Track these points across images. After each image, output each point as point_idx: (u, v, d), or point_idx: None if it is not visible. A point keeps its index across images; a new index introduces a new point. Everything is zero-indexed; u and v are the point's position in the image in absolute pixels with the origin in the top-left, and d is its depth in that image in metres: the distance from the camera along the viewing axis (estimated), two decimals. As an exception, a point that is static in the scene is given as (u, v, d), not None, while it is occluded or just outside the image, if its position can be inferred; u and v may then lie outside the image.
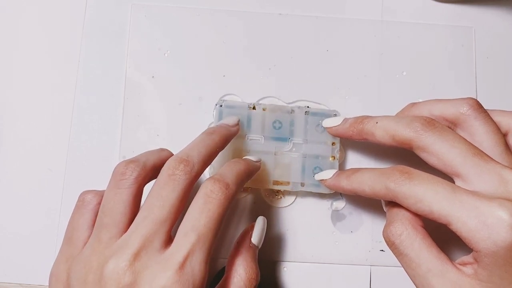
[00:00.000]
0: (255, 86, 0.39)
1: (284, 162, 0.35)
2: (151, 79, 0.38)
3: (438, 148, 0.28)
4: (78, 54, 0.39)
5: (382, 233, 0.29)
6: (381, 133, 0.31)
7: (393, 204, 0.30)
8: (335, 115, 0.36)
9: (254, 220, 0.37)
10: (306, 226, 0.37)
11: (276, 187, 0.35)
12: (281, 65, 0.39)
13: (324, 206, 0.37)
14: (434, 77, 0.39)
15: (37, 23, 0.39)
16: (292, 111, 0.36)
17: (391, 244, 0.29)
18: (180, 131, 0.38)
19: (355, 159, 0.38)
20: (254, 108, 0.36)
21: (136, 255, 0.26)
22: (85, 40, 0.39)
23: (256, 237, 0.32)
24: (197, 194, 0.28)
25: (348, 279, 0.36)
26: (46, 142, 0.38)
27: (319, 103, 0.38)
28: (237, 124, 0.34)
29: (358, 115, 0.34)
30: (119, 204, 0.28)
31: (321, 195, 0.37)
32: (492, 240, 0.25)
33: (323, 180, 0.34)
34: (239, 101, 0.38)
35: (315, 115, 0.36)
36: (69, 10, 0.40)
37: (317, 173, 0.35)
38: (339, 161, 0.36)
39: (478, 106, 0.31)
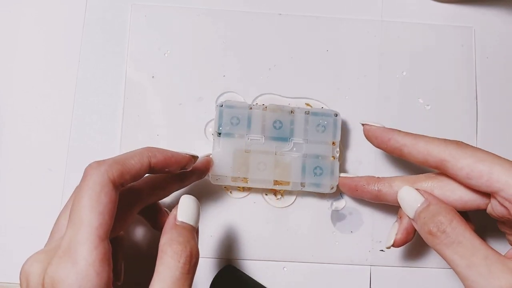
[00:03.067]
0: (255, 86, 0.39)
1: (284, 162, 0.35)
2: (151, 79, 0.38)
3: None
4: (78, 54, 0.39)
5: (425, 227, 0.29)
6: (413, 141, 0.31)
7: (428, 203, 0.30)
8: (336, 115, 0.36)
9: (254, 220, 0.37)
10: (306, 226, 0.37)
11: (277, 187, 0.35)
12: (281, 65, 0.39)
13: (324, 206, 0.37)
14: (434, 77, 0.39)
15: (37, 23, 0.39)
16: (293, 111, 0.36)
17: (441, 233, 0.28)
18: (180, 131, 0.38)
19: (355, 159, 0.38)
20: (252, 108, 0.36)
21: (42, 251, 0.26)
22: (85, 40, 0.39)
23: (181, 215, 0.28)
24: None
25: (348, 279, 0.36)
26: (46, 142, 0.38)
27: (318, 100, 0.38)
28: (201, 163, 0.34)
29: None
30: (63, 213, 0.29)
31: (321, 195, 0.37)
32: None
33: (367, 124, 0.33)
34: (240, 101, 0.38)
35: (315, 115, 0.36)
36: (69, 10, 0.40)
37: (317, 173, 0.35)
38: (339, 161, 0.36)
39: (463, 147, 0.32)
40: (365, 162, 0.38)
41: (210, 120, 0.38)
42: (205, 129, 0.38)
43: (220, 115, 0.36)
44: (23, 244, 0.36)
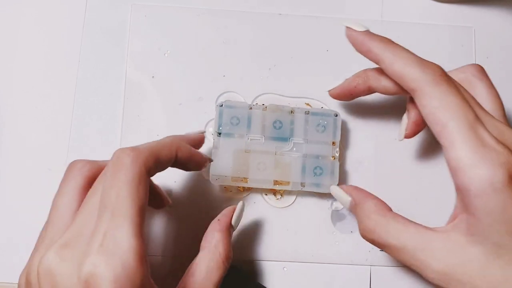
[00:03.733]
0: (255, 86, 0.39)
1: (284, 162, 0.35)
2: (151, 79, 0.38)
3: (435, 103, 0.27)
4: (78, 54, 0.39)
5: (360, 234, 0.30)
6: (391, 59, 0.29)
7: (354, 204, 0.31)
8: (336, 115, 0.36)
9: (254, 220, 0.37)
10: (306, 226, 0.37)
11: (277, 187, 0.35)
12: (281, 65, 0.39)
13: (324, 206, 0.37)
14: (434, 77, 0.39)
15: (37, 23, 0.39)
16: (293, 111, 0.36)
17: (371, 242, 0.29)
18: (180, 131, 0.38)
19: (355, 159, 0.38)
20: (252, 108, 0.36)
21: (63, 247, 0.24)
22: (85, 40, 0.39)
23: (235, 220, 0.32)
24: (106, 167, 0.26)
25: (348, 279, 0.36)
26: (46, 142, 0.38)
27: (318, 100, 0.38)
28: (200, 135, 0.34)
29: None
30: (63, 196, 0.27)
31: (321, 195, 0.37)
32: (488, 178, 0.24)
33: (350, 28, 0.31)
34: (240, 101, 0.38)
35: (315, 115, 0.36)
36: (69, 10, 0.40)
37: (317, 173, 0.35)
38: (339, 161, 0.36)
39: (484, 72, 0.32)
40: (365, 162, 0.38)
41: (210, 120, 0.38)
42: (205, 129, 0.38)
43: (220, 115, 0.36)
44: (23, 244, 0.36)
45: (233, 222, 0.32)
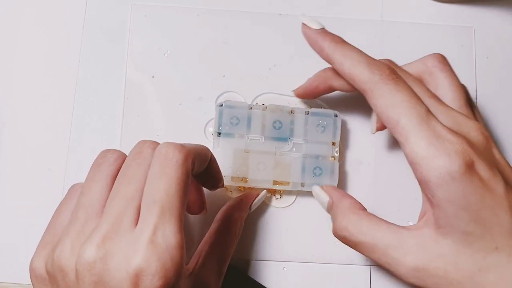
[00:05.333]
0: (255, 86, 0.39)
1: (284, 162, 0.35)
2: (151, 79, 0.38)
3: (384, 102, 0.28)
4: (78, 54, 0.39)
5: (332, 233, 0.30)
6: (340, 60, 0.30)
7: (331, 202, 0.32)
8: (336, 116, 0.36)
9: (254, 220, 0.37)
10: (306, 226, 0.37)
11: (276, 187, 0.35)
12: (281, 65, 0.39)
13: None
14: (434, 77, 0.39)
15: (37, 23, 0.39)
16: (292, 111, 0.36)
17: (343, 240, 0.29)
18: (180, 131, 0.38)
19: (355, 159, 0.38)
20: (252, 108, 0.36)
21: (106, 239, 0.24)
22: (85, 40, 0.39)
23: (255, 205, 0.35)
24: (152, 160, 0.26)
25: (348, 279, 0.36)
26: (46, 142, 0.38)
27: (318, 100, 0.38)
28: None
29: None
30: (97, 183, 0.27)
31: (321, 195, 0.37)
32: (446, 168, 0.25)
33: (305, 25, 0.31)
34: (240, 101, 0.38)
35: (315, 115, 0.36)
36: (69, 10, 0.40)
37: (317, 173, 0.35)
38: (339, 161, 0.36)
39: (445, 61, 0.32)
40: (365, 162, 0.38)
41: (210, 120, 0.38)
42: (205, 129, 0.38)
43: (220, 115, 0.36)
44: (23, 244, 0.36)
45: (253, 205, 0.35)
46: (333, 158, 0.36)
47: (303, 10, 0.40)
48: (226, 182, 0.35)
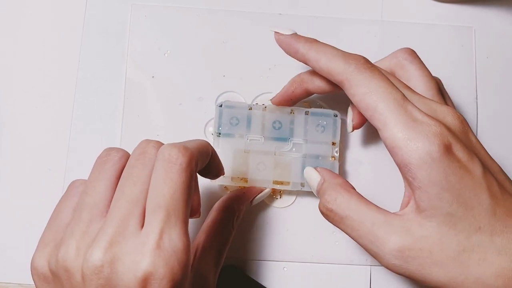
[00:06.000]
0: (255, 86, 0.39)
1: (284, 162, 0.35)
2: (151, 79, 0.38)
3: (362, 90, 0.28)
4: (78, 54, 0.39)
5: (318, 208, 0.30)
6: (316, 56, 0.30)
7: (323, 181, 0.31)
8: (336, 116, 0.36)
9: (254, 220, 0.37)
10: (306, 226, 0.37)
11: (276, 187, 0.35)
12: (281, 65, 0.39)
13: (324, 206, 0.37)
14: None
15: (37, 23, 0.39)
16: (292, 111, 0.36)
17: (329, 212, 0.29)
18: (180, 131, 0.38)
19: (355, 159, 0.38)
20: (252, 108, 0.36)
21: (112, 243, 0.24)
22: (85, 40, 0.39)
23: (257, 200, 0.35)
24: (156, 163, 0.26)
25: (348, 279, 0.36)
26: (46, 142, 0.38)
27: (318, 100, 0.38)
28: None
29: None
30: (101, 182, 0.26)
31: (321, 195, 0.37)
32: (425, 149, 0.25)
33: (277, 32, 0.32)
34: (239, 101, 0.38)
35: (315, 115, 0.36)
36: (69, 10, 0.40)
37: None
38: (339, 162, 0.36)
39: (414, 54, 0.33)
40: (365, 162, 0.38)
41: (210, 120, 0.38)
42: (205, 129, 0.38)
43: (220, 116, 0.36)
44: (22, 244, 0.36)
45: (254, 200, 0.35)
46: (333, 158, 0.36)
47: (303, 10, 0.40)
48: (226, 182, 0.35)
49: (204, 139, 0.29)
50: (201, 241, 0.32)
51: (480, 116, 0.39)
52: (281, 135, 0.36)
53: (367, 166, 0.38)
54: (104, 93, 0.38)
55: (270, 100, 0.36)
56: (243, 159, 0.35)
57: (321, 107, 0.38)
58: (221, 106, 0.36)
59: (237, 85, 0.39)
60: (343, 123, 0.38)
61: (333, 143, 0.36)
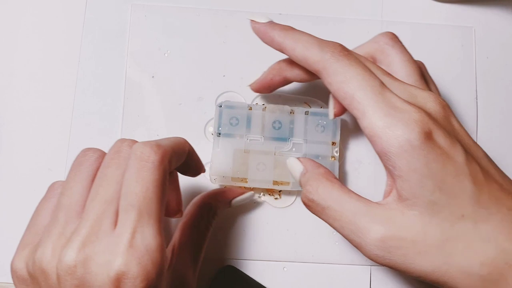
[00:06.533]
0: (255, 86, 0.39)
1: (284, 162, 0.35)
2: (151, 79, 0.38)
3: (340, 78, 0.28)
4: (78, 54, 0.39)
5: (301, 200, 0.29)
6: (292, 45, 0.30)
7: (305, 171, 0.30)
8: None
9: (254, 220, 0.37)
10: (306, 226, 0.37)
11: (276, 187, 0.35)
12: (281, 65, 0.39)
13: (324, 206, 0.37)
14: (434, 77, 0.39)
15: (37, 23, 0.39)
16: (292, 111, 0.36)
17: (311, 203, 0.28)
18: (180, 131, 0.38)
19: (355, 159, 0.38)
20: (252, 108, 0.36)
21: (85, 243, 0.24)
22: (85, 40, 0.39)
23: (237, 201, 0.35)
24: (129, 161, 0.26)
25: (348, 279, 0.36)
26: (46, 142, 0.38)
27: (318, 100, 0.38)
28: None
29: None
30: (77, 183, 0.26)
31: (321, 195, 0.37)
32: (404, 137, 0.25)
33: (253, 21, 0.31)
34: (239, 101, 0.38)
35: (315, 115, 0.36)
36: (69, 10, 0.40)
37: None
38: (339, 162, 0.36)
39: (396, 38, 0.32)
40: (365, 162, 0.38)
41: (210, 120, 0.38)
42: (205, 129, 0.38)
43: (220, 116, 0.36)
44: (23, 244, 0.36)
45: (234, 201, 0.35)
46: (333, 158, 0.36)
47: (303, 10, 0.40)
48: (226, 182, 0.35)
49: (181, 137, 0.29)
50: (177, 238, 0.31)
51: (480, 116, 0.39)
52: (281, 135, 0.36)
53: (367, 166, 0.38)
54: (104, 93, 0.38)
55: (249, 85, 0.36)
56: (243, 159, 0.35)
57: (321, 107, 0.38)
58: (221, 106, 0.36)
59: (237, 85, 0.39)
60: (343, 123, 0.38)
61: (333, 143, 0.36)
